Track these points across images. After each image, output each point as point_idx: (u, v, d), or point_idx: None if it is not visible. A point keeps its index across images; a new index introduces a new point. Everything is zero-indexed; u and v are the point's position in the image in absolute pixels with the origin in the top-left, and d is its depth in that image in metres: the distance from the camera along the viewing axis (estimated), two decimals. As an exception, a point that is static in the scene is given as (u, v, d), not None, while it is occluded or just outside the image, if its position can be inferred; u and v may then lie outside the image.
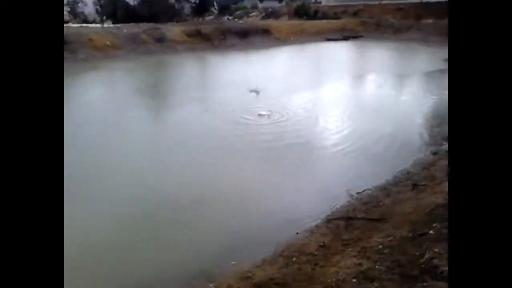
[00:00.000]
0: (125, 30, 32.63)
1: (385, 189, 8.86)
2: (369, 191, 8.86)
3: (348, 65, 29.83)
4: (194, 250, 6.93)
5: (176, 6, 63.07)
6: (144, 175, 9.97)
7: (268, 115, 14.80)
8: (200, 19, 63.03)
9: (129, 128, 13.93)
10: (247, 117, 14.69)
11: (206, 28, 37.26)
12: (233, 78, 23.64)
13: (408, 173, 9.92)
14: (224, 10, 75.39)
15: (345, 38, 43.18)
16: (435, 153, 11.28)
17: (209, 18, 67.62)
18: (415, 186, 8.63)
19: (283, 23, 44.68)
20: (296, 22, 46.38)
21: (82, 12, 54.23)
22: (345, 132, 13.44)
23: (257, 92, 18.55)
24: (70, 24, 33.63)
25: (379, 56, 34.80)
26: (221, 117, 15.01)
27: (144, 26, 34.96)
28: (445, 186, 7.99)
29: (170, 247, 7.01)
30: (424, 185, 8.61)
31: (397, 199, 8.12)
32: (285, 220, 7.79)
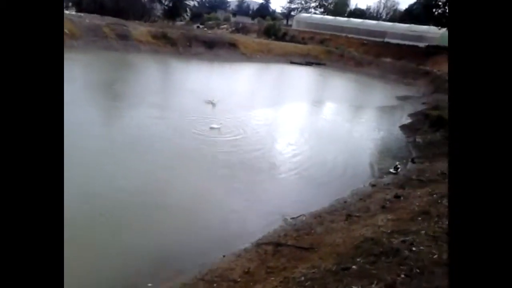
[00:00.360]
0: (87, 20, 31.39)
1: (320, 217, 8.90)
2: (304, 217, 8.86)
3: (307, 90, 30.49)
4: (108, 270, 6.43)
5: (147, 5, 62.42)
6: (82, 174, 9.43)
7: (219, 128, 14.66)
8: (170, 22, 62.49)
9: (75, 126, 13.18)
10: (200, 129, 14.45)
11: (173, 33, 36.78)
12: (192, 87, 23.41)
13: (345, 202, 10.08)
14: (196, 17, 75.31)
15: (308, 64, 44.28)
16: (373, 185, 11.59)
17: (180, 23, 67.16)
18: (348, 216, 8.74)
19: (251, 40, 45.17)
20: (263, 40, 47.05)
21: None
22: (294, 156, 13.54)
23: (213, 104, 18.43)
24: None
25: (339, 86, 35.98)
26: (172, 125, 14.68)
27: (108, 19, 33.87)
28: (376, 219, 8.16)
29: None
30: (357, 216, 8.73)
31: (329, 228, 8.15)
32: (216, 240, 7.58)
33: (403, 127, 20.50)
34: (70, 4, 49.74)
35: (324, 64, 45.74)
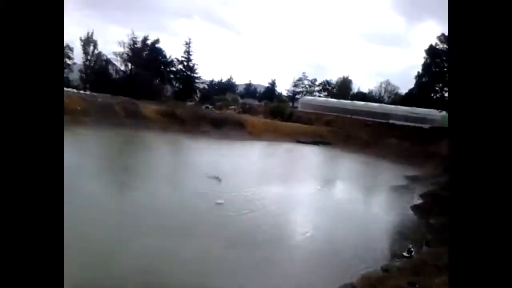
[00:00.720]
0: (99, 99, 32.60)
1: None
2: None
3: (315, 169, 30.18)
4: None
5: (159, 86, 65.55)
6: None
7: (223, 203, 14.34)
8: (181, 103, 64.97)
9: (85, 198, 12.77)
10: (204, 205, 14.02)
11: (181, 112, 37.84)
12: (201, 163, 23.24)
13: (353, 287, 9.14)
14: (205, 99, 78.39)
15: (315, 143, 44.70)
16: (385, 270, 10.65)
17: (190, 104, 69.81)
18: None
19: (258, 120, 46.29)
20: (270, 121, 48.18)
21: (67, 77, 54.89)
22: (303, 237, 12.80)
23: (218, 179, 18.18)
24: None
25: (347, 165, 35.78)
26: (177, 201, 14.29)
27: (120, 98, 35.17)
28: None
29: None
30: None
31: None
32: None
33: (414, 208, 19.77)
34: (87, 85, 52.45)
35: (330, 144, 46.14)
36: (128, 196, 14.69)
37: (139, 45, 60.40)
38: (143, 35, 61.42)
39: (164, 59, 66.18)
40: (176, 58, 66.93)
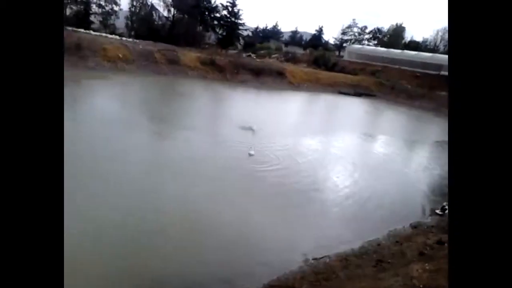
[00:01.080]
0: (140, 46, 32.88)
1: (346, 260, 7.86)
2: (328, 259, 7.86)
3: (357, 121, 29.17)
4: None
5: (201, 33, 65.01)
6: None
7: (254, 155, 14.30)
8: (223, 50, 64.37)
9: (119, 145, 13.32)
10: (236, 155, 14.09)
11: (221, 60, 37.45)
12: (236, 113, 23.22)
13: (378, 244, 8.93)
14: (248, 46, 76.97)
15: (358, 95, 43.01)
16: (414, 227, 10.31)
17: (232, 51, 68.99)
18: (379, 262, 7.62)
19: (299, 69, 44.90)
20: (312, 70, 46.61)
21: (113, 24, 55.65)
22: (337, 190, 12.61)
23: (252, 130, 18.07)
24: (90, 31, 34.04)
25: (390, 118, 34.31)
26: (211, 151, 14.44)
27: (160, 46, 35.27)
28: (410, 268, 7.01)
29: None
30: (389, 262, 7.60)
31: (353, 274, 7.10)
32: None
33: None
34: (132, 32, 52.95)
35: (374, 96, 44.26)
36: (161, 145, 14.97)
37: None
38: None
39: (209, 5, 64.76)
40: (221, 4, 65.40)
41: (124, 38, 37.13)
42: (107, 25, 54.53)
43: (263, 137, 17.38)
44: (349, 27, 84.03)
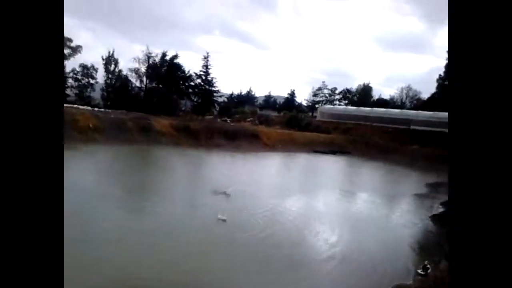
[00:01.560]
0: (112, 116, 32.90)
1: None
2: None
3: (334, 179, 29.08)
4: None
5: (176, 102, 66.18)
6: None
7: (225, 220, 13.70)
8: (200, 117, 65.28)
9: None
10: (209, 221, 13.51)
11: (195, 125, 37.72)
12: (211, 178, 22.79)
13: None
14: (224, 112, 78.54)
15: (332, 152, 43.56)
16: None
17: (208, 117, 70.06)
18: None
19: (273, 131, 45.67)
20: (285, 131, 47.46)
21: (89, 96, 56.34)
22: (318, 249, 12.15)
23: (226, 194, 17.55)
24: (66, 105, 33.95)
25: (366, 174, 34.52)
26: (183, 218, 13.79)
27: (133, 114, 35.38)
28: None
29: None
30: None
31: None
32: None
33: (433, 218, 18.58)
34: (107, 102, 53.61)
35: (349, 153, 44.92)
36: (128, 218, 14.13)
37: (156, 60, 61.36)
38: (162, 51, 62.36)
39: (183, 74, 66.77)
40: (194, 73, 67.52)
41: (96, 109, 37.14)
42: (83, 97, 55.21)
43: (241, 200, 16.87)
44: (320, 89, 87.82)
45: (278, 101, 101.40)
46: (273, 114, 78.51)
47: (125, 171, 22.77)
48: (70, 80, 55.40)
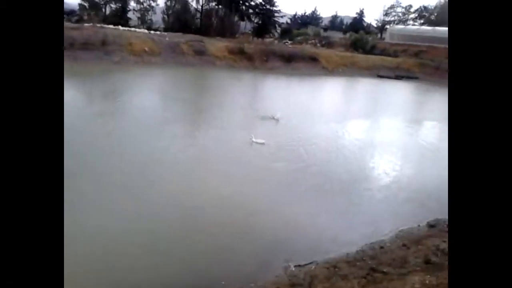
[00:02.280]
0: (167, 39, 32.68)
1: (335, 268, 6.71)
2: (313, 267, 6.78)
3: (397, 106, 26.90)
4: None
5: (232, 23, 64.27)
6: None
7: (263, 143, 13.26)
8: (259, 39, 63.18)
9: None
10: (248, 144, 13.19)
11: (250, 48, 36.42)
12: (261, 100, 22.26)
13: (381, 247, 7.67)
14: (285, 34, 75.15)
15: (398, 77, 40.29)
16: (431, 226, 8.90)
17: (269, 40, 67.52)
18: (371, 272, 6.43)
19: (333, 53, 42.76)
20: (347, 54, 44.24)
21: (151, 19, 56.38)
22: (376, 178, 11.56)
23: (275, 119, 16.87)
24: (118, 27, 34.30)
25: (435, 101, 31.57)
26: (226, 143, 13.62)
27: (188, 37, 34.87)
28: (409, 279, 5.81)
29: None
30: (383, 272, 6.38)
31: (335, 287, 5.99)
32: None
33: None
34: (168, 25, 53.44)
35: (416, 78, 41.32)
36: (179, 143, 13.95)
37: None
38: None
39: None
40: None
41: (152, 32, 36.94)
42: (144, 21, 55.35)
43: (290, 125, 16.26)
44: (392, 7, 79.41)
45: (345, 22, 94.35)
46: (338, 35, 73.46)
47: (172, 93, 22.70)
48: (132, 3, 55.56)
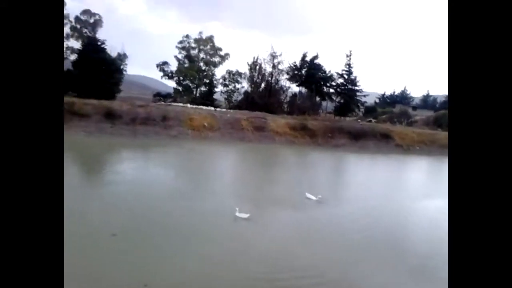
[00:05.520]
0: (228, 115, 33.54)
1: None
2: None
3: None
4: None
5: (319, 103, 64.84)
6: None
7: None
8: (342, 118, 62.19)
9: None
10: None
11: (313, 124, 35.38)
12: (313, 179, 20.21)
13: None
14: (369, 112, 73.05)
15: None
16: None
17: (352, 118, 66.06)
18: None
19: (409, 130, 39.30)
20: (425, 131, 40.27)
21: (236, 100, 59.76)
22: None
23: (318, 200, 14.57)
24: (179, 104, 36.26)
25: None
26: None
27: (248, 113, 35.42)
28: None
29: None
30: None
31: None
32: None
33: None
34: (224, 103, 56.49)
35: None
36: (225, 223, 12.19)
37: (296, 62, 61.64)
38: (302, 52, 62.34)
39: (324, 74, 65.03)
40: (336, 72, 65.01)
41: (216, 109, 38.25)
42: (231, 102, 59.16)
43: (330, 209, 14.08)
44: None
45: (438, 100, 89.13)
46: (428, 114, 68.97)
47: (228, 172, 21.57)
48: (220, 86, 60.52)
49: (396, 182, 23.36)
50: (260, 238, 10.33)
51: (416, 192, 19.56)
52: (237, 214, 11.51)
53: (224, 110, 39.07)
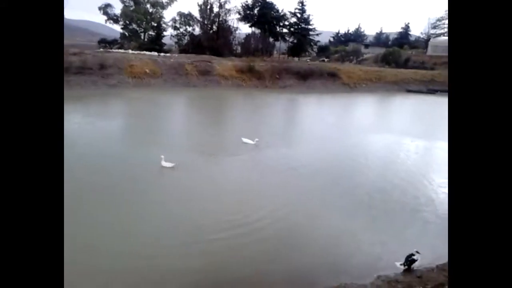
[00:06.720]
0: (171, 60, 32.26)
1: None
2: None
3: (423, 124, 23.41)
4: None
5: (272, 44, 63.70)
6: None
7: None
8: (296, 58, 61.75)
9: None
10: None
11: (260, 66, 34.89)
12: (257, 122, 20.26)
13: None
14: (322, 51, 72.95)
15: (430, 92, 36.28)
16: (419, 277, 6.47)
17: (305, 58, 65.79)
18: None
19: (356, 68, 39.79)
20: (372, 68, 40.98)
21: (187, 43, 57.41)
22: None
23: (255, 144, 14.48)
24: (119, 50, 34.28)
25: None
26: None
27: (194, 57, 34.27)
28: None
29: None
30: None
31: None
32: None
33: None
34: (175, 47, 54.36)
35: (453, 92, 36.92)
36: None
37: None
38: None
39: (276, 14, 63.26)
40: (289, 11, 63.47)
41: (160, 54, 36.44)
42: (181, 46, 56.59)
43: (269, 152, 14.11)
44: (441, 19, 73.80)
45: (391, 38, 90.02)
46: (381, 51, 69.78)
47: (166, 119, 21.22)
48: (170, 30, 57.40)
49: (340, 120, 23.85)
50: (180, 187, 10.33)
51: (359, 129, 20.03)
52: (163, 163, 11.38)
53: (168, 55, 37.35)
